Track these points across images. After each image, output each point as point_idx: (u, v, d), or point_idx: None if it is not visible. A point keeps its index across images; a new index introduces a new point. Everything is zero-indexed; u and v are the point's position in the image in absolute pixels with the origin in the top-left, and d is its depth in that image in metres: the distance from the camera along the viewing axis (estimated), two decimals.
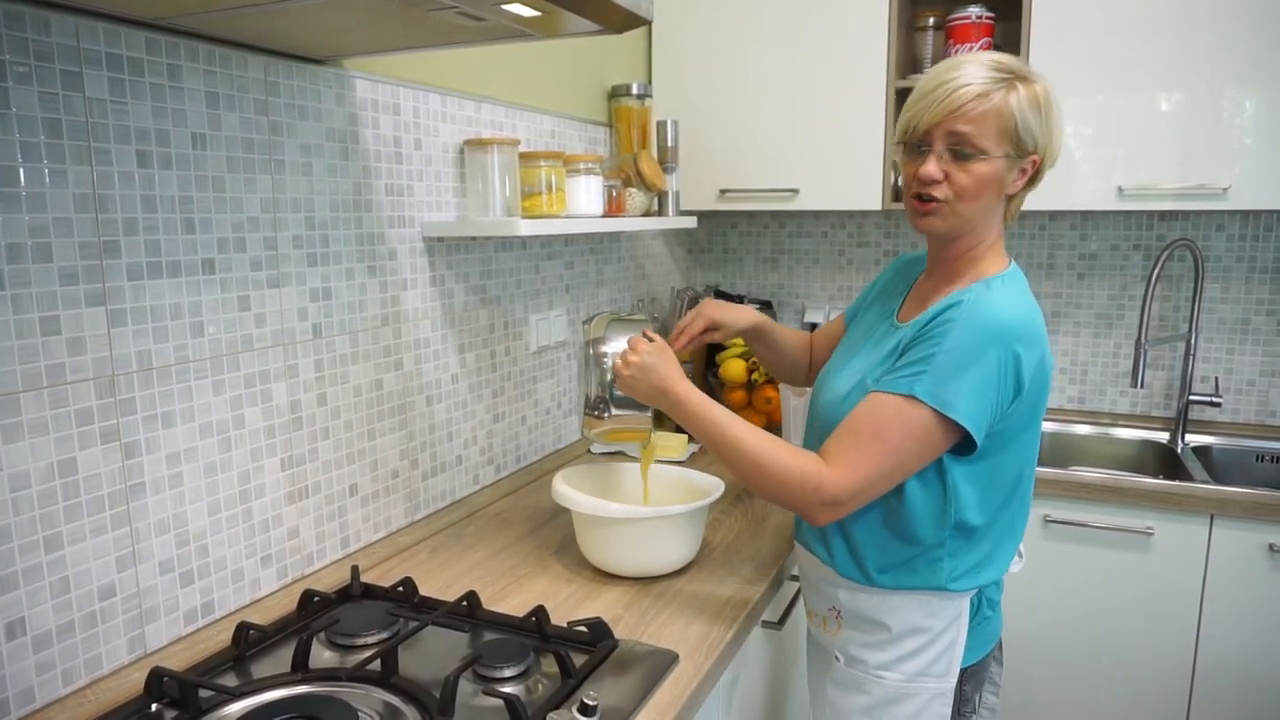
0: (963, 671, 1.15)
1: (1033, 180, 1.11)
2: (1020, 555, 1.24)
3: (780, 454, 1.08)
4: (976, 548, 1.11)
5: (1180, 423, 2.16)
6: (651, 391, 1.17)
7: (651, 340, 1.22)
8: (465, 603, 1.18)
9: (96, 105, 0.98)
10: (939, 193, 1.07)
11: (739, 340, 2.15)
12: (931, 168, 1.06)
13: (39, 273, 0.94)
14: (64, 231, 0.96)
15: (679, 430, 1.97)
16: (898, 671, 1.14)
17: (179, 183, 1.08)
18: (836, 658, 1.20)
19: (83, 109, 0.97)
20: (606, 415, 1.28)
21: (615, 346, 1.26)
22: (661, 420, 1.32)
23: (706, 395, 1.16)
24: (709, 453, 1.94)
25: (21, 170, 0.92)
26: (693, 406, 1.14)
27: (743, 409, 2.16)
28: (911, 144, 1.09)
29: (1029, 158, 1.07)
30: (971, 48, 2.01)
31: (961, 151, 1.05)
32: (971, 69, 1.05)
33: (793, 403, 1.90)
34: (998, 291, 1.07)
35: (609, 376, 1.25)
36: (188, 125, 1.08)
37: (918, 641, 1.13)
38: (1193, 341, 2.16)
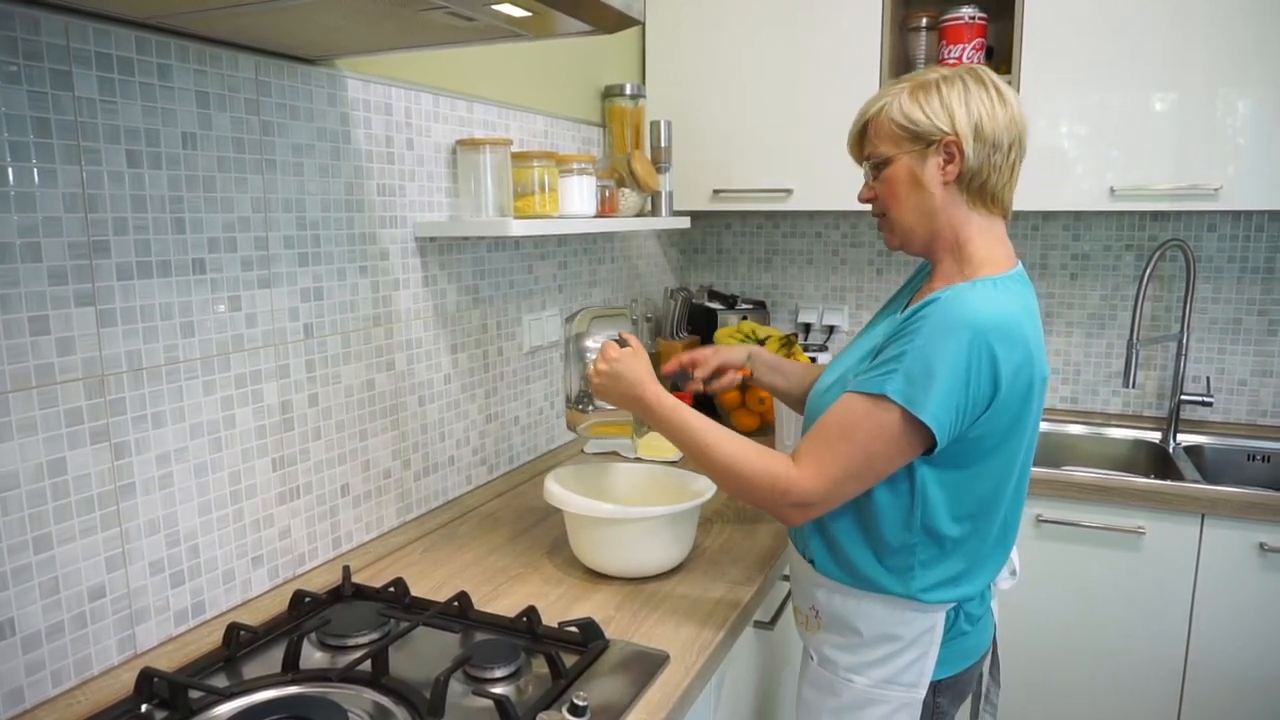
0: (937, 684, 1.14)
1: (964, 159, 1.04)
2: (1014, 573, 1.22)
3: (750, 457, 1.08)
4: (950, 560, 1.09)
5: (1172, 422, 2.17)
6: (622, 398, 1.19)
7: (625, 344, 1.22)
8: (456, 603, 1.18)
9: (86, 104, 0.98)
10: (875, 210, 1.16)
11: (734, 337, 2.16)
12: (863, 189, 1.17)
13: (28, 272, 0.94)
14: (53, 231, 0.96)
15: None
16: (866, 676, 1.14)
17: (169, 182, 1.08)
18: (811, 657, 1.20)
19: (72, 108, 0.97)
20: (590, 409, 1.29)
21: (598, 342, 1.27)
22: None
23: (677, 400, 1.16)
24: None
25: (10, 169, 0.92)
26: (663, 411, 1.15)
27: (736, 409, 2.16)
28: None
29: (942, 141, 1.05)
30: (964, 48, 2.02)
31: (871, 167, 1.13)
32: (874, 95, 1.13)
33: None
34: (981, 291, 1.03)
35: (588, 371, 1.26)
36: (178, 125, 1.08)
37: (888, 649, 1.12)
38: (1184, 341, 2.17)
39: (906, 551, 1.09)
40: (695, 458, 1.12)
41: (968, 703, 1.25)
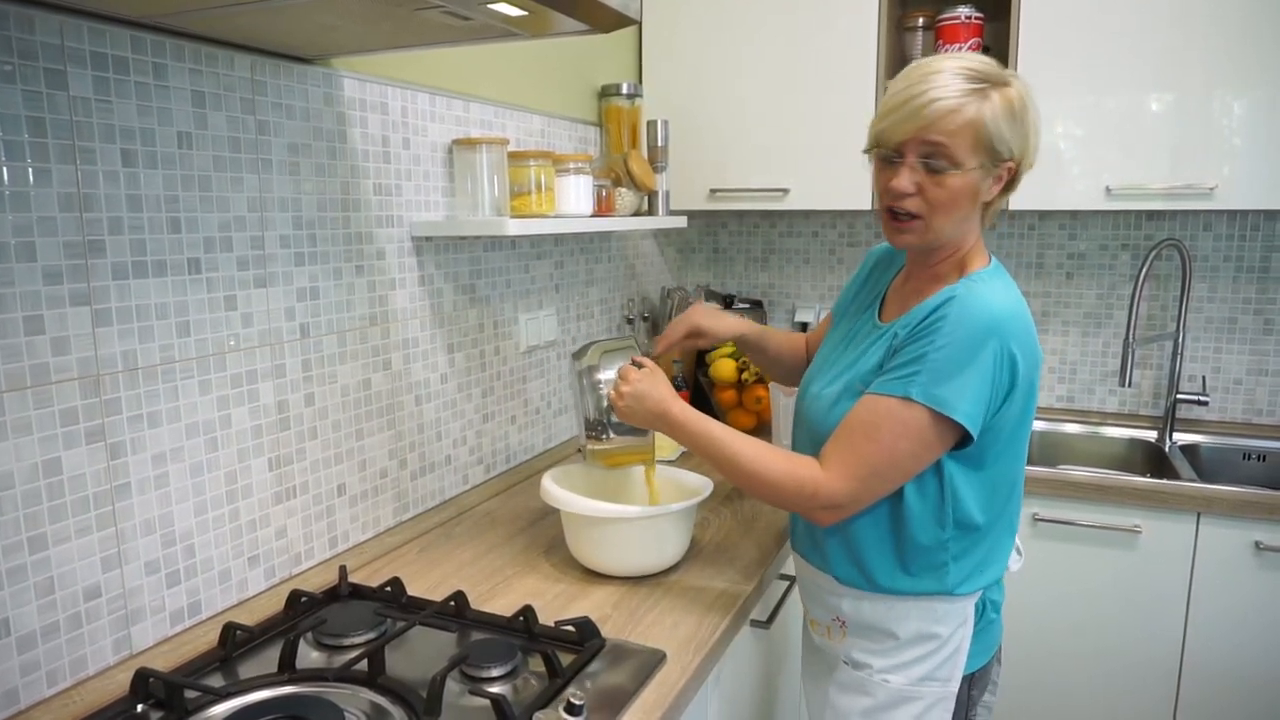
0: (970, 677, 1.15)
1: (1009, 185, 1.09)
2: (1019, 553, 1.24)
3: (777, 463, 1.10)
4: (977, 549, 1.11)
5: (1168, 421, 2.17)
6: (649, 416, 1.20)
7: (641, 366, 1.23)
8: (453, 603, 1.18)
9: (81, 104, 0.98)
10: (912, 206, 1.06)
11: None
12: (904, 181, 1.05)
13: (22, 272, 0.94)
14: (48, 230, 0.96)
15: None
16: (903, 675, 1.14)
17: (164, 182, 1.08)
18: (845, 661, 1.20)
19: (67, 108, 0.96)
20: (606, 438, 1.30)
21: (605, 374, 1.29)
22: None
23: (700, 413, 1.18)
24: None
25: (5, 169, 0.91)
26: (690, 426, 1.16)
27: (733, 408, 2.16)
28: (883, 156, 1.08)
29: (1004, 164, 1.06)
30: (960, 48, 2.02)
31: (934, 164, 1.03)
32: (943, 79, 1.02)
33: (782, 402, 1.90)
34: (985, 285, 1.06)
35: (605, 403, 1.28)
36: (173, 124, 1.08)
37: (926, 648, 1.13)
38: (1180, 341, 2.17)
39: (940, 548, 1.10)
40: (722, 467, 1.14)
41: None
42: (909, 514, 1.09)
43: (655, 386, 1.19)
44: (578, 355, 1.34)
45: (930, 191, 1.04)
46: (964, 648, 1.13)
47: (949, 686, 1.14)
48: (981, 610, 1.15)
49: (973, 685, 1.17)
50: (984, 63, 1.05)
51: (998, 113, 1.01)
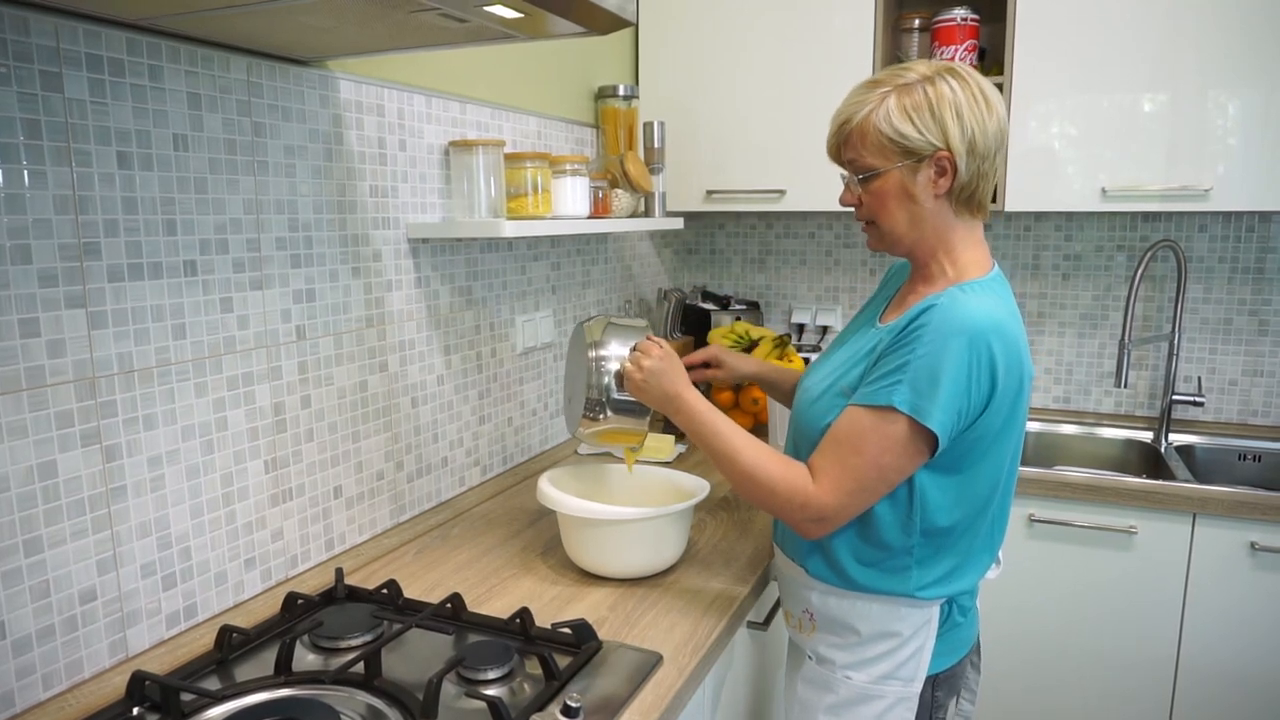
0: (934, 678, 1.15)
1: (956, 173, 1.05)
2: (998, 563, 1.24)
3: (772, 468, 1.10)
4: (945, 557, 1.11)
5: (1163, 422, 2.17)
6: (661, 396, 1.20)
7: (661, 346, 1.23)
8: (449, 605, 1.18)
9: (76, 106, 0.98)
10: (860, 215, 1.15)
11: (727, 338, 2.16)
12: (845, 194, 1.15)
13: (18, 274, 0.94)
14: (43, 233, 0.96)
15: (666, 431, 1.99)
16: (864, 673, 1.15)
17: (160, 184, 1.08)
18: (809, 656, 1.21)
19: (62, 110, 0.96)
20: (602, 417, 1.28)
21: (612, 350, 1.27)
22: (653, 424, 1.33)
23: (711, 404, 1.18)
24: (695, 454, 1.94)
25: (0, 172, 0.91)
26: (699, 414, 1.17)
27: (730, 409, 2.16)
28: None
29: (934, 156, 1.05)
30: (956, 50, 2.02)
31: (857, 176, 1.11)
32: (852, 96, 1.10)
33: (779, 404, 1.90)
34: (973, 295, 1.05)
35: (606, 380, 1.26)
36: (169, 126, 1.08)
37: (886, 645, 1.14)
38: (1176, 342, 2.18)
39: (904, 553, 1.10)
40: (720, 462, 1.14)
41: None
42: (877, 517, 1.09)
43: (673, 367, 1.20)
44: (585, 324, 1.32)
45: (864, 198, 1.12)
46: (927, 648, 1.13)
47: (911, 687, 1.14)
48: (947, 614, 1.14)
49: (937, 687, 1.16)
50: (905, 69, 1.08)
51: (891, 113, 1.06)
